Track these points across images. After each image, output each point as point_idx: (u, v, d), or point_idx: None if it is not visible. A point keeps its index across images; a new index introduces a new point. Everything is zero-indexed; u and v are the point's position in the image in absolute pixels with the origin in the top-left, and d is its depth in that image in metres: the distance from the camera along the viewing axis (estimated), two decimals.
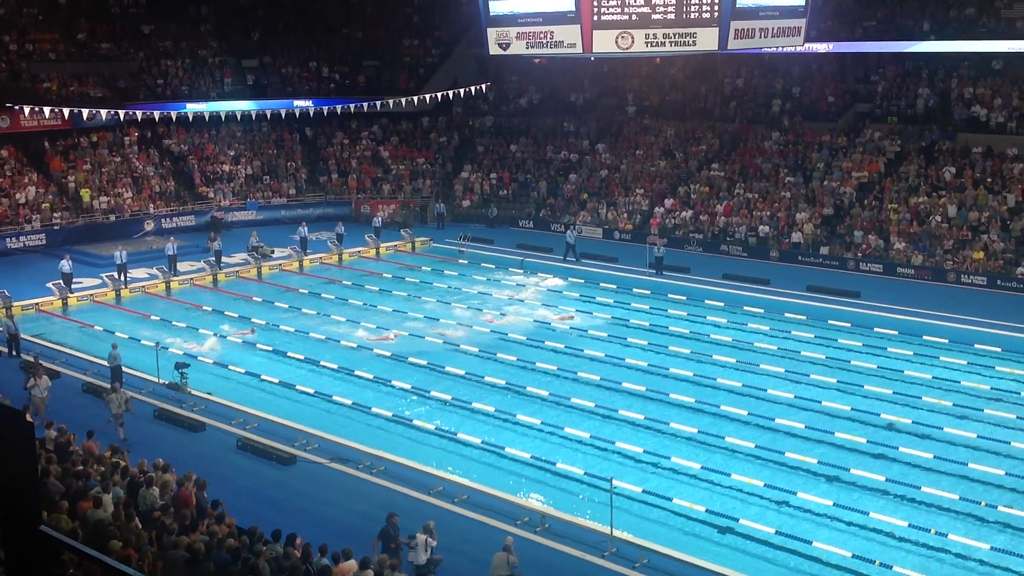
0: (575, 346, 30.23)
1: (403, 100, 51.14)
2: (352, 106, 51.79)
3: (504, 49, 28.03)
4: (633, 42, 25.91)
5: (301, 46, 57.30)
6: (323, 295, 36.61)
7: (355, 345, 30.35)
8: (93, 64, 51.01)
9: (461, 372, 27.95)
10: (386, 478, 21.34)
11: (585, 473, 21.35)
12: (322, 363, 28.73)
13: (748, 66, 51.86)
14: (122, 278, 37.00)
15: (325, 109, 50.98)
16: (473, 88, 52.79)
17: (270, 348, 30.09)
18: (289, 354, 29.53)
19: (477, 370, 28.09)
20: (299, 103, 51.99)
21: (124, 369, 26.47)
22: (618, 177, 49.91)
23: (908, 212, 41.10)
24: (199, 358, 28.96)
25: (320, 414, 24.91)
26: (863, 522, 19.26)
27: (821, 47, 45.48)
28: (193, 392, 25.73)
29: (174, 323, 32.73)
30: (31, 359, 26.55)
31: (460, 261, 42.11)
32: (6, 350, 29.21)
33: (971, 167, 42.03)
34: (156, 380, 26.69)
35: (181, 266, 39.63)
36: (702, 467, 21.70)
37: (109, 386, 24.08)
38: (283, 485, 21.11)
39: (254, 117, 52.21)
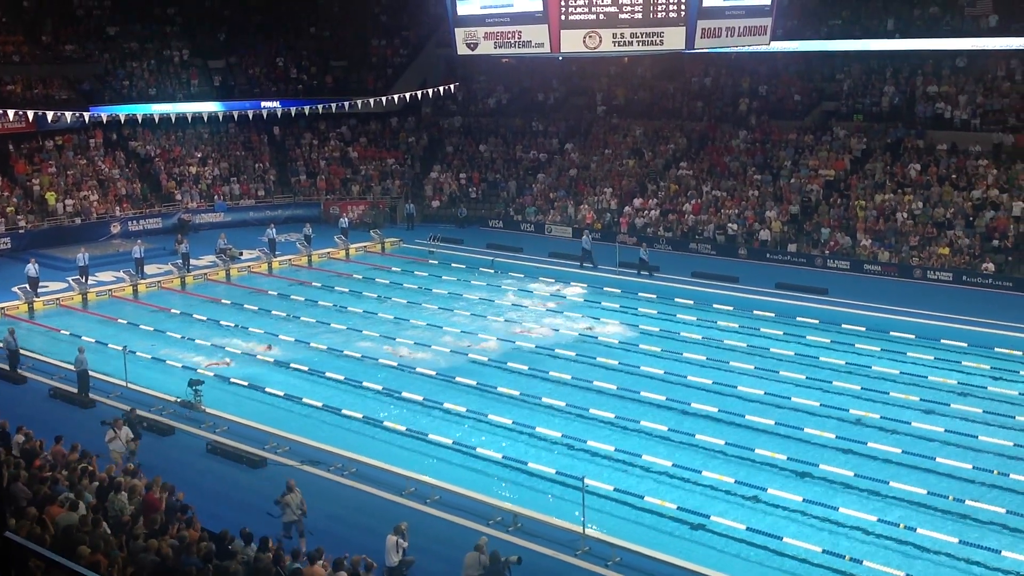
0: (545, 345, 30.26)
1: (371, 100, 50.96)
2: (320, 107, 51.52)
3: (472, 49, 27.98)
4: (601, 42, 25.95)
5: (268, 46, 56.99)
6: (292, 297, 36.44)
7: (324, 347, 30.22)
8: (58, 66, 50.52)
9: (432, 373, 27.91)
10: (358, 480, 21.30)
11: (557, 472, 21.37)
12: (292, 365, 28.60)
13: (715, 65, 52.10)
14: (84, 280, 36.68)
15: (293, 110, 50.74)
16: (442, 88, 52.69)
17: (239, 351, 29.91)
18: (259, 356, 29.39)
19: (448, 371, 28.06)
20: (266, 104, 51.70)
21: (91, 374, 26.27)
22: (587, 176, 50.01)
23: (874, 209, 41.46)
24: (167, 362, 28.77)
25: (290, 416, 24.81)
26: (832, 517, 19.42)
27: (787, 46, 45.76)
28: (208, 411, 24.82)
29: (141, 327, 32.46)
30: (130, 410, 22.85)
31: (430, 261, 42.04)
32: (7, 367, 27.98)
33: (936, 164, 42.46)
34: (124, 384, 26.47)
35: (148, 269, 39.34)
36: (673, 465, 21.78)
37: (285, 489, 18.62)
38: (254, 488, 20.99)
39: (221, 118, 51.87)
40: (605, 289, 37.10)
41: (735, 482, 20.89)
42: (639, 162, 49.66)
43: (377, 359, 29.09)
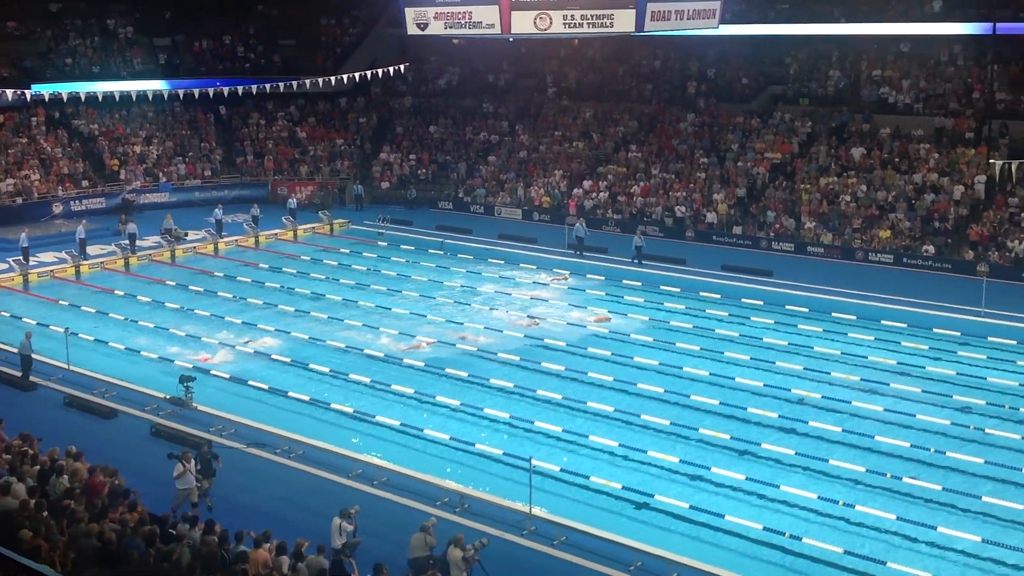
0: (494, 327, 30.34)
1: (320, 80, 50.50)
2: (268, 86, 51.00)
3: (422, 29, 27.92)
4: (551, 23, 26.07)
5: (215, 24, 56.15)
6: (239, 278, 36.15)
7: (271, 329, 30.04)
8: None
9: (380, 355, 27.89)
10: (304, 462, 21.26)
11: (504, 453, 21.50)
12: (238, 347, 28.41)
13: (664, 48, 52.32)
14: (26, 261, 36.11)
15: (240, 89, 50.01)
16: (392, 68, 52.38)
17: (183, 333, 29.61)
18: (203, 339, 29.13)
19: (395, 353, 28.05)
20: (213, 82, 50.99)
21: (33, 357, 25.88)
22: (537, 158, 50.05)
23: (818, 192, 41.99)
24: (110, 343, 28.44)
25: (236, 399, 24.64)
26: (774, 495, 19.75)
27: (735, 30, 45.95)
28: (199, 408, 23.71)
29: (84, 308, 32.03)
30: (201, 446, 20.23)
31: (379, 243, 41.88)
32: (19, 374, 25.90)
33: (879, 148, 43.07)
34: (66, 367, 26.13)
35: (92, 249, 38.75)
36: (619, 444, 22.00)
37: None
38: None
39: (166, 97, 51.13)
40: (554, 271, 37.22)
41: (679, 461, 21.17)
42: (588, 144, 49.79)
43: (325, 341, 28.98)
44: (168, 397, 24.15)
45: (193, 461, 18.88)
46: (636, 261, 38.38)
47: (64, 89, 47.99)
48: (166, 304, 32.64)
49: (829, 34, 46.73)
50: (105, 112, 51.02)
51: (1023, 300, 32.72)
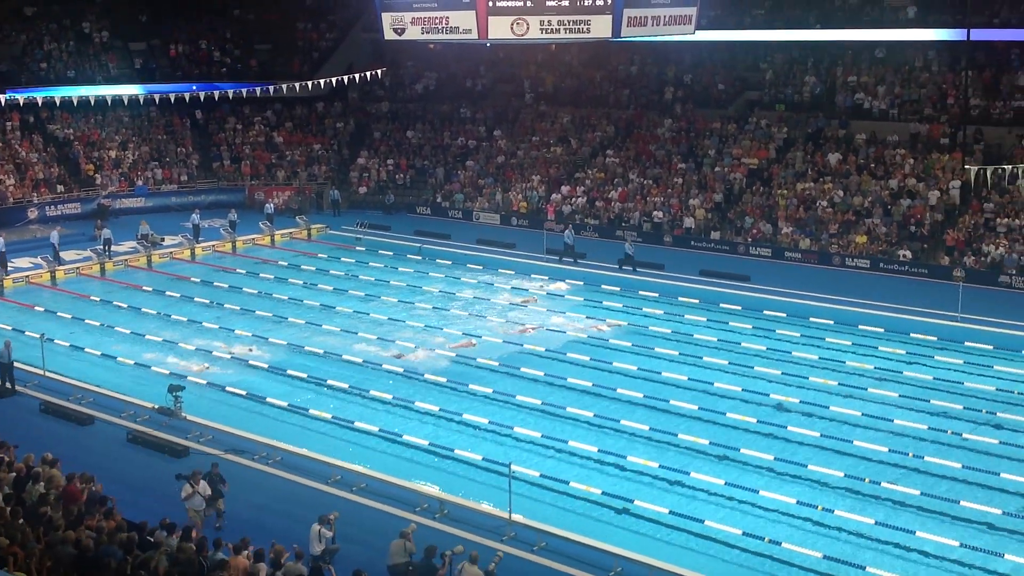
0: (473, 332, 30.30)
1: (297, 85, 50.38)
2: (244, 90, 50.76)
3: (399, 34, 27.92)
4: (528, 28, 26.14)
5: (191, 28, 55.91)
6: (216, 284, 35.95)
7: (249, 334, 29.89)
8: None
9: (359, 360, 27.79)
10: (283, 468, 21.17)
11: (483, 459, 21.45)
12: (215, 353, 28.25)
13: (641, 53, 52.49)
14: (3, 268, 35.81)
15: (216, 93, 49.85)
16: (369, 73, 52.26)
17: (160, 339, 29.42)
18: (180, 344, 28.95)
19: (373, 358, 27.97)
20: (189, 87, 50.72)
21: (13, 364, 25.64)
22: (515, 163, 50.08)
23: (795, 197, 42.20)
24: (86, 349, 28.23)
25: (213, 405, 24.48)
26: (753, 500, 19.78)
27: (711, 35, 46.13)
28: (188, 418, 23.30)
29: (59, 314, 31.78)
30: (212, 466, 19.37)
31: (357, 248, 41.76)
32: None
33: (855, 153, 43.35)
34: (42, 373, 25.91)
35: (67, 255, 38.49)
36: (599, 450, 22.00)
37: None
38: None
39: (142, 101, 50.84)
40: (532, 276, 37.20)
41: (659, 467, 21.18)
42: (566, 149, 49.86)
43: (302, 346, 28.86)
44: (157, 407, 23.78)
45: (203, 482, 18.30)
46: (625, 268, 38.11)
47: (39, 94, 47.69)
48: (143, 310, 32.43)
49: (804, 40, 47.00)
50: (80, 117, 50.73)
51: (999, 305, 33.03)
